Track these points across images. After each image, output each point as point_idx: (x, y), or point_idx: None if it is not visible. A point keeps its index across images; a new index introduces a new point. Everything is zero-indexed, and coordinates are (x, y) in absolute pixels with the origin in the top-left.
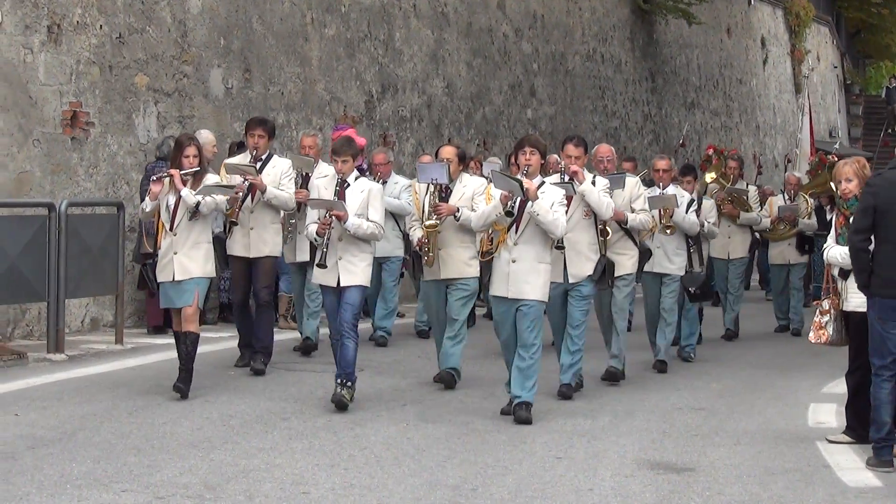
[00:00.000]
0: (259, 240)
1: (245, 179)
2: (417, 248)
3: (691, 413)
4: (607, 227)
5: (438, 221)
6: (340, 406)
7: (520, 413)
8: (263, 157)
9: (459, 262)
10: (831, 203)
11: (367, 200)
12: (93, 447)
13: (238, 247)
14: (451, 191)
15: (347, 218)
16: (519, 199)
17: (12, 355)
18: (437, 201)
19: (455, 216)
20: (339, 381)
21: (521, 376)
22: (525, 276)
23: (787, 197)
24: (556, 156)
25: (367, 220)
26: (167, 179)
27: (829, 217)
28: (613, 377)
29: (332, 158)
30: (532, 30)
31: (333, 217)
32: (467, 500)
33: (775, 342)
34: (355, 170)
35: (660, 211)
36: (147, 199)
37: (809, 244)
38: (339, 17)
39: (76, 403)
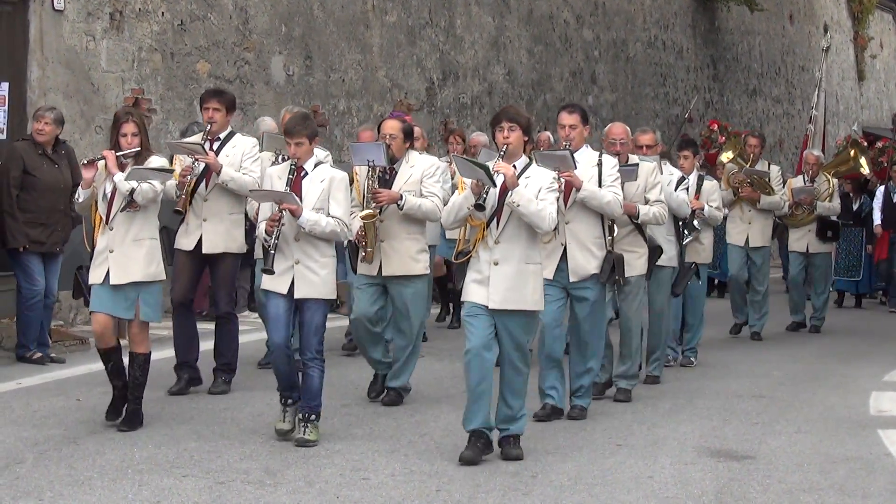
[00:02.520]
0: (213, 233)
1: (195, 160)
2: (356, 240)
3: (752, 401)
4: (614, 224)
5: (377, 210)
6: (302, 444)
7: (508, 451)
8: (222, 134)
9: (405, 256)
10: (855, 191)
11: (328, 191)
12: (154, 432)
13: (186, 240)
14: (395, 173)
15: (301, 212)
16: (490, 188)
17: (74, 341)
18: (377, 186)
19: (398, 204)
20: (302, 416)
21: (506, 399)
22: (510, 282)
23: (806, 178)
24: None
25: (328, 215)
26: (102, 163)
27: (854, 206)
28: (627, 398)
29: (285, 140)
30: (593, 17)
31: (284, 212)
32: (527, 486)
33: (835, 330)
34: (315, 155)
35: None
36: (80, 187)
37: (833, 230)
38: (400, 4)
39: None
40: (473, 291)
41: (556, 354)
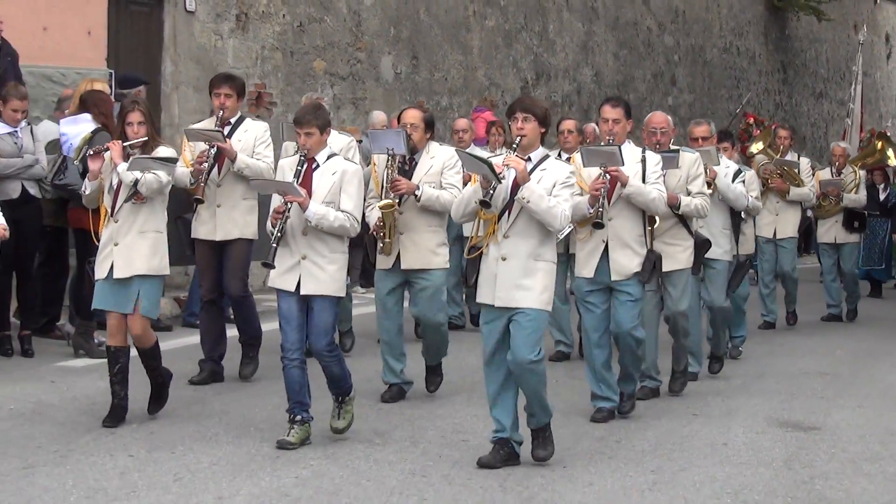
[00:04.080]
0: (227, 219)
1: (210, 146)
2: (373, 232)
3: (817, 377)
4: (655, 218)
5: (395, 200)
6: (337, 431)
7: (537, 451)
8: (233, 119)
9: (425, 249)
10: (886, 181)
11: (339, 184)
12: (273, 394)
13: (203, 229)
14: (415, 164)
15: (307, 205)
16: (496, 184)
17: None
18: (397, 175)
19: (415, 195)
20: (335, 399)
21: (526, 405)
22: (517, 279)
23: (833, 170)
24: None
25: (339, 209)
26: (109, 154)
27: (882, 197)
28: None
29: (295, 131)
30: (674, 24)
31: (290, 204)
32: (612, 450)
33: (894, 315)
34: (328, 146)
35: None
36: (86, 179)
37: (860, 221)
38: (499, 10)
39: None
40: (482, 290)
41: (597, 363)
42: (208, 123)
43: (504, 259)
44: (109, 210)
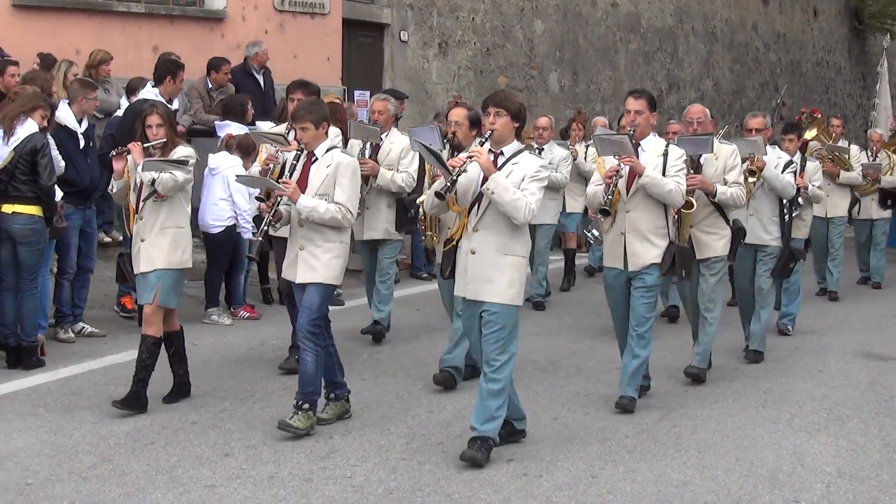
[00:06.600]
0: None
1: (278, 150)
2: (419, 226)
3: (892, 319)
4: (692, 198)
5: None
6: (284, 428)
7: (467, 452)
8: None
9: None
10: None
11: (333, 177)
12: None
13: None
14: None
15: (297, 197)
16: (452, 178)
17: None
18: (438, 171)
19: None
20: (295, 402)
21: (480, 402)
22: (486, 272)
23: (870, 154)
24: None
25: (332, 202)
26: (130, 156)
27: None
28: (696, 378)
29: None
30: (777, 44)
31: (279, 198)
32: (731, 376)
33: None
34: (330, 139)
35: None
36: (112, 178)
37: (893, 199)
38: (640, 36)
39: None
40: (457, 281)
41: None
42: (282, 128)
43: (473, 253)
44: (135, 207)
